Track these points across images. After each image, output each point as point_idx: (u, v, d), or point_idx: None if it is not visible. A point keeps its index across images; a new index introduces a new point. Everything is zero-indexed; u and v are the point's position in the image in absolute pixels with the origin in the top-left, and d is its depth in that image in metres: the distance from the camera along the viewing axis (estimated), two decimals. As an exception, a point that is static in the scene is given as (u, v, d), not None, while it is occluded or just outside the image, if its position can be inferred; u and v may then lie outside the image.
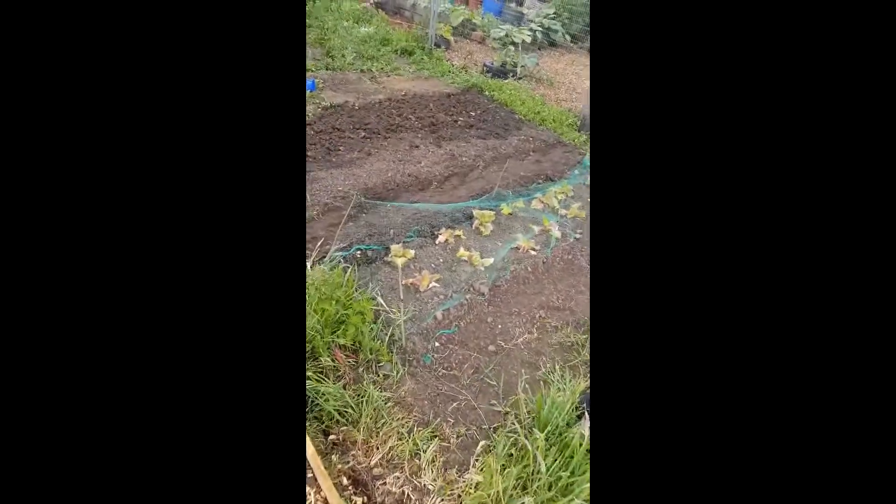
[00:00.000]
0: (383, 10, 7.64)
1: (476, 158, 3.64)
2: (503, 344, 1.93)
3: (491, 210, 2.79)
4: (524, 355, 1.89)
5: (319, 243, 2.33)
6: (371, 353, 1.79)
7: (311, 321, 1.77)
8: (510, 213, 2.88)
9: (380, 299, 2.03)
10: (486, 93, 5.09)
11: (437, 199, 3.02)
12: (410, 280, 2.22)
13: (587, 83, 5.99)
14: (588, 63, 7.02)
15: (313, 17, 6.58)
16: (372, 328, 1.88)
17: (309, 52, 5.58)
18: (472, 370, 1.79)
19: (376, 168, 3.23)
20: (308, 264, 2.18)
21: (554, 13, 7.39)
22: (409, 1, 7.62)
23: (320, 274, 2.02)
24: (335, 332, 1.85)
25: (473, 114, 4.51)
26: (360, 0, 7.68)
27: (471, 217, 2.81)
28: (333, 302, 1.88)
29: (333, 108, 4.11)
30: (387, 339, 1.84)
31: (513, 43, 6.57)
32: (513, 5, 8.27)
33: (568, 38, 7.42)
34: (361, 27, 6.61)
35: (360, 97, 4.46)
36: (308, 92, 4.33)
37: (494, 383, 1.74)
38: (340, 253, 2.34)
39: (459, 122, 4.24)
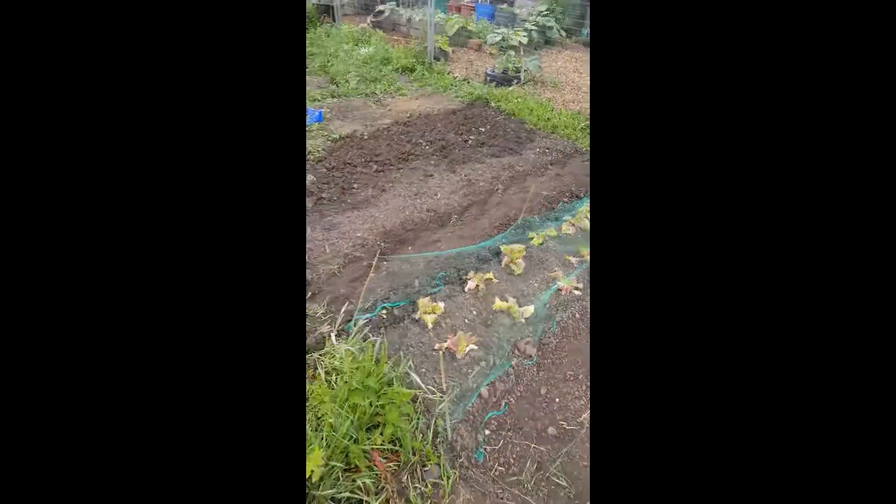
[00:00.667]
0: (381, 29, 7.22)
1: (493, 181, 3.23)
2: (564, 424, 1.55)
3: (520, 244, 2.40)
4: (592, 438, 1.51)
5: (344, 307, 1.99)
6: (414, 454, 1.44)
7: (344, 424, 1.42)
8: (541, 244, 2.49)
9: (415, 377, 1.67)
10: (493, 104, 4.65)
11: (458, 233, 2.64)
12: (445, 344, 1.86)
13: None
14: (587, 58, 6.48)
15: (316, 45, 6.21)
16: (410, 418, 1.52)
17: (314, 80, 5.23)
18: (535, 466, 1.42)
19: (393, 206, 2.86)
20: (332, 335, 1.83)
21: (547, 9, 6.85)
22: (404, 16, 7.18)
23: (349, 358, 1.67)
24: (370, 428, 1.50)
25: (483, 129, 4.09)
26: (357, 22, 7.27)
27: (499, 253, 2.43)
28: (366, 391, 1.53)
29: (343, 140, 3.75)
30: (430, 432, 1.48)
31: (511, 46, 6.09)
32: (504, 6, 7.74)
33: (563, 33, 6.87)
34: (361, 48, 6.21)
35: (367, 124, 4.09)
36: (316, 124, 3.98)
37: (565, 484, 1.37)
38: (365, 316, 1.99)
39: (470, 142, 3.83)
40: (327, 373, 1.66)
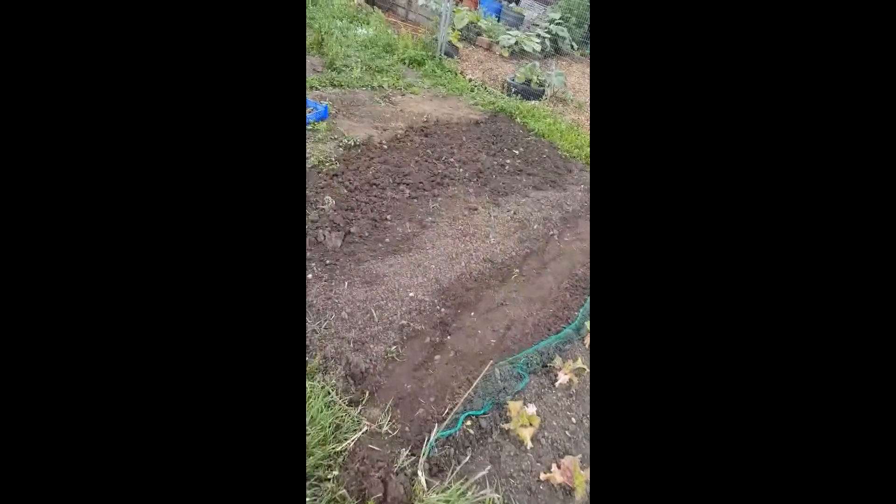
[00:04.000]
0: (377, 7, 6.36)
1: (545, 222, 2.82)
2: None
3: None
4: None
5: (417, 413, 1.48)
6: None
7: None
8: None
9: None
10: (518, 119, 4.20)
11: (525, 294, 2.21)
12: (555, 475, 1.44)
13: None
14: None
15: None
16: None
17: (309, 61, 4.38)
18: None
19: (441, 250, 2.34)
20: (420, 472, 1.33)
21: (561, 18, 6.46)
22: (405, -3, 6.39)
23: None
24: None
25: (516, 152, 3.64)
26: (351, -6, 6.32)
27: (578, 329, 2.04)
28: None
29: (359, 149, 3.09)
30: None
31: (523, 52, 5.65)
32: (512, 5, 7.22)
33: (574, 45, 6.55)
34: (359, 28, 5.39)
35: (379, 126, 3.44)
36: (323, 122, 3.25)
37: None
38: (446, 432, 1.50)
39: (507, 167, 3.37)
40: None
